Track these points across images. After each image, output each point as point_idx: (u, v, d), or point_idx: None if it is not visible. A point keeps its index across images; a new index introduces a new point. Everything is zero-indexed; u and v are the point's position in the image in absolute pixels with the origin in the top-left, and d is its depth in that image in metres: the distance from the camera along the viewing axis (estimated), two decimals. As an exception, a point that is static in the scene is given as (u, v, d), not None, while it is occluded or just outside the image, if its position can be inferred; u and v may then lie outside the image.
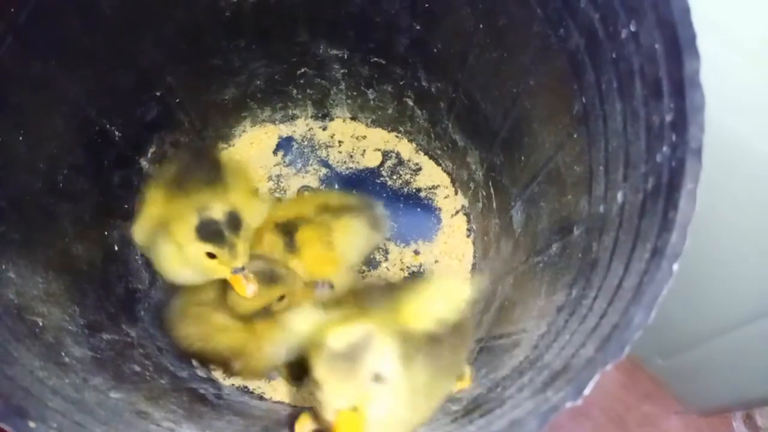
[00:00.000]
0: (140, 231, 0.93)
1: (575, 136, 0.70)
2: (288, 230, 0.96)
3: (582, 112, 0.68)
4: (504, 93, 0.87)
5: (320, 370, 0.59)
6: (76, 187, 0.86)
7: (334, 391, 0.59)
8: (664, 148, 0.51)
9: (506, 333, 0.78)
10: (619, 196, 0.58)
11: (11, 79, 0.72)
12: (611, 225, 0.58)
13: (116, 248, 0.95)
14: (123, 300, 0.92)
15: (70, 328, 0.72)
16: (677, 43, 0.51)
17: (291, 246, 0.95)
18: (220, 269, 0.84)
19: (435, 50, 0.96)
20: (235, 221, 0.84)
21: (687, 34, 0.51)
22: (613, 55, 0.61)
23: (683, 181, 0.47)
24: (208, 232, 0.82)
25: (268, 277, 0.84)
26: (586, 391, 0.44)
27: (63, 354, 0.65)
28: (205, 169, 0.95)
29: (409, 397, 0.61)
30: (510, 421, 0.48)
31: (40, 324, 0.66)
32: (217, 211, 0.83)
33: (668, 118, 0.52)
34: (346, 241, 0.99)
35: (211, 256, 0.83)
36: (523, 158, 0.87)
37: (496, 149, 0.96)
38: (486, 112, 0.94)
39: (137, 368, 0.80)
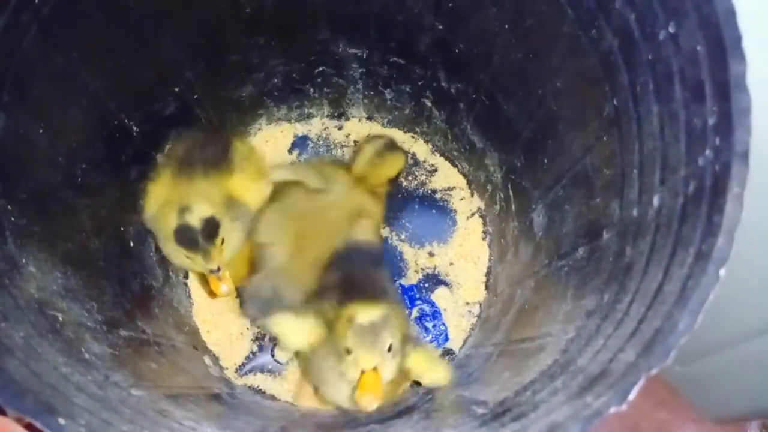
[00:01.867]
0: (147, 212, 0.94)
1: (605, 138, 0.69)
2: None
3: (614, 114, 0.67)
4: (529, 94, 0.86)
5: (351, 339, 0.78)
6: (95, 182, 0.85)
7: (362, 356, 0.78)
8: (707, 152, 0.50)
9: (529, 337, 0.77)
10: (656, 199, 0.57)
11: (33, 70, 0.71)
12: (647, 229, 0.57)
13: (132, 244, 0.94)
14: (138, 297, 0.91)
15: (89, 324, 0.71)
16: (721, 45, 0.50)
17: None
18: (197, 267, 0.90)
19: (457, 50, 0.95)
20: (211, 229, 0.87)
21: (732, 35, 0.50)
22: (650, 57, 0.60)
23: (729, 185, 0.46)
24: (184, 238, 0.86)
25: None
26: (631, 396, 0.44)
27: (83, 350, 0.64)
28: (215, 150, 0.96)
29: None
30: (548, 425, 0.47)
31: (61, 319, 0.65)
32: (194, 218, 0.86)
33: (711, 121, 0.51)
34: None
35: (189, 258, 0.88)
36: (546, 161, 0.86)
37: (517, 151, 0.95)
38: (508, 113, 0.93)
39: (154, 365, 0.79)
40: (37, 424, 0.43)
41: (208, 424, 0.68)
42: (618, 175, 0.66)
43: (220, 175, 0.94)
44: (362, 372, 0.77)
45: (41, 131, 0.74)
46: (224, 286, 0.90)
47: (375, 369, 0.78)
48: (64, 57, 0.75)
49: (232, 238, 0.91)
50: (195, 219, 0.86)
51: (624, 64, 0.65)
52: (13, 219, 0.66)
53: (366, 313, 0.80)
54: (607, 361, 0.50)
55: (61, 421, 0.44)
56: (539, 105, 0.84)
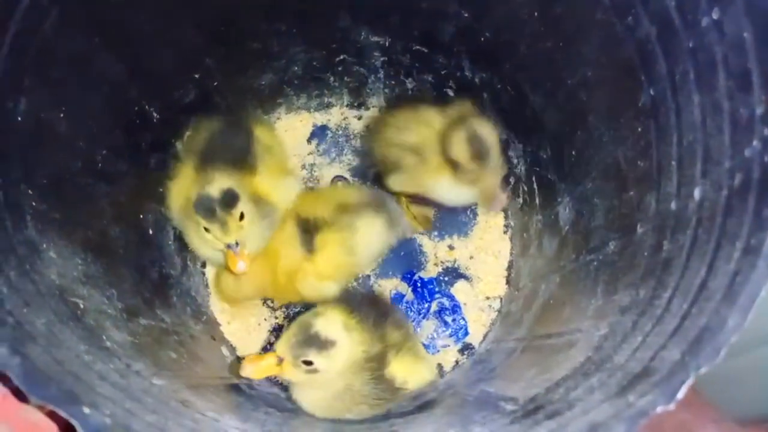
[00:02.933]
0: (174, 208, 0.93)
1: (640, 129, 0.67)
2: (308, 229, 0.95)
3: (650, 104, 0.64)
4: (557, 85, 0.83)
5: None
6: (114, 169, 0.84)
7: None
8: (755, 143, 0.48)
9: (555, 332, 0.76)
10: (697, 192, 0.55)
11: (54, 54, 0.70)
12: (687, 223, 0.55)
13: (151, 232, 0.93)
14: (157, 285, 0.90)
15: (109, 311, 0.70)
16: (771, 32, 0.48)
17: (309, 245, 0.94)
18: (216, 243, 0.88)
19: (482, 39, 0.92)
20: (229, 199, 0.86)
21: (783, 21, 0.48)
22: (691, 45, 0.58)
23: (780, 177, 0.44)
24: (202, 207, 0.85)
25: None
26: (680, 395, 0.42)
27: (104, 338, 0.63)
28: (235, 146, 0.94)
29: None
30: (589, 424, 0.46)
31: (81, 306, 0.64)
32: (215, 188, 0.86)
33: (759, 110, 0.49)
34: (366, 243, 0.98)
35: (207, 230, 0.87)
36: (574, 153, 0.84)
37: (543, 143, 0.93)
38: (534, 104, 0.91)
39: (173, 355, 0.78)
40: (62, 413, 0.42)
41: (229, 415, 0.67)
42: (653, 167, 0.64)
43: (242, 175, 0.92)
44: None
45: (61, 116, 0.73)
46: (241, 263, 0.88)
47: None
48: (85, 41, 0.74)
49: (255, 225, 0.89)
50: (215, 189, 0.85)
51: (662, 52, 0.62)
52: (33, 204, 0.65)
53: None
54: (647, 359, 0.48)
55: (86, 410, 0.43)
56: (568, 96, 0.82)
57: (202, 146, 0.94)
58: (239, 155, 0.93)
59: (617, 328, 0.58)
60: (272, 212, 0.94)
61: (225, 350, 1.01)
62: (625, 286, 0.63)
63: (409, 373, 0.85)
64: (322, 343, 0.78)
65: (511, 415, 0.59)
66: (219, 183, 0.86)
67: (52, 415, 0.43)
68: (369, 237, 0.98)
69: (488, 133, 0.92)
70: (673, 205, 0.58)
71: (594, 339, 0.62)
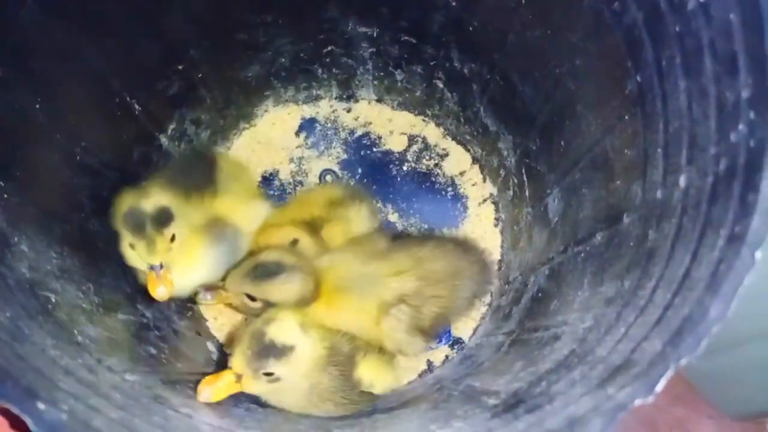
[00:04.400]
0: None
1: (627, 118, 0.65)
2: (314, 228, 0.95)
3: (637, 92, 0.63)
4: (546, 74, 0.82)
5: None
6: (95, 161, 0.82)
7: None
8: (740, 127, 0.46)
9: (542, 326, 0.74)
10: (682, 180, 0.53)
11: (32, 43, 0.69)
12: (672, 211, 0.53)
13: (134, 226, 0.91)
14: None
15: (84, 306, 0.68)
16: (758, 13, 0.47)
17: (320, 242, 0.94)
18: (139, 262, 0.82)
19: (471, 29, 0.91)
20: (163, 218, 0.81)
21: (770, 2, 0.46)
22: (677, 29, 0.56)
23: (765, 162, 0.43)
24: (131, 221, 0.80)
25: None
26: (658, 388, 0.40)
27: (76, 333, 0.62)
28: (198, 172, 0.93)
29: None
30: (568, 418, 0.44)
31: (53, 300, 0.62)
32: (150, 203, 0.81)
33: (745, 94, 0.47)
34: (359, 231, 1.00)
35: (133, 247, 0.81)
36: (563, 143, 0.82)
37: (533, 134, 0.91)
38: (524, 95, 0.89)
39: (153, 350, 0.76)
40: (14, 410, 0.40)
41: (205, 411, 0.66)
42: (640, 156, 0.62)
43: (202, 197, 0.90)
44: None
45: (38, 107, 0.71)
46: (162, 288, 0.80)
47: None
48: (64, 31, 0.73)
49: (190, 247, 0.85)
50: (149, 204, 0.80)
51: (649, 38, 0.61)
52: (5, 196, 0.63)
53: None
54: (629, 351, 0.46)
55: (41, 406, 0.41)
56: (556, 85, 0.80)
57: (170, 174, 0.91)
58: (200, 180, 0.92)
59: (601, 321, 0.56)
60: (234, 235, 0.91)
61: (211, 345, 0.99)
62: (610, 278, 0.61)
63: (377, 377, 0.83)
64: (279, 351, 0.74)
65: (492, 410, 0.58)
66: (156, 199, 0.81)
67: (7, 414, 0.41)
68: (360, 225, 1.00)
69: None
70: (659, 194, 0.57)
71: (579, 331, 0.60)
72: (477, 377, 0.78)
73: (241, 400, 0.78)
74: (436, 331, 0.91)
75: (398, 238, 1.00)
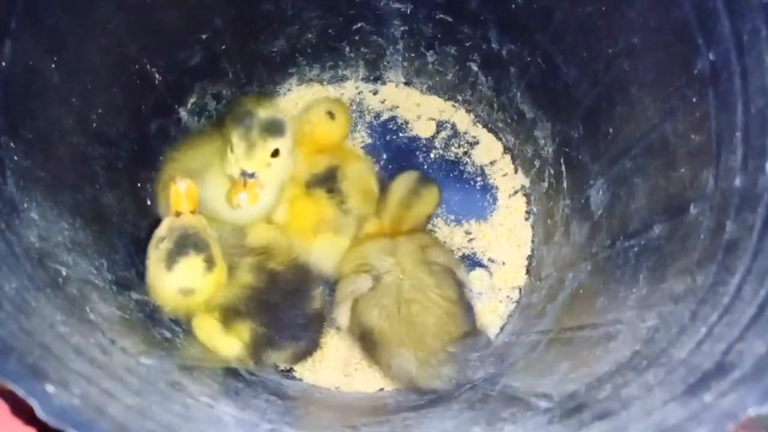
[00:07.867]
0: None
1: (694, 99, 0.60)
2: (326, 177, 0.94)
3: (708, 70, 0.57)
4: (595, 55, 0.76)
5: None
6: (111, 130, 0.78)
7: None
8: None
9: (589, 324, 0.69)
10: (768, 165, 0.47)
11: (48, -3, 0.63)
12: (755, 200, 0.48)
13: (149, 203, 0.87)
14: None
15: (96, 282, 0.63)
16: None
17: (337, 191, 0.94)
18: (233, 166, 0.80)
19: (513, 6, 0.85)
20: (273, 127, 0.81)
21: None
22: (764, -2, 0.50)
23: None
24: (242, 119, 0.80)
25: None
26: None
27: (88, 310, 0.57)
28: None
29: None
30: (656, 428, 0.39)
31: (64, 274, 0.58)
32: (266, 112, 0.82)
33: None
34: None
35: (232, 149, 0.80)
36: (611, 130, 0.76)
37: (575, 121, 0.86)
38: (568, 78, 0.84)
39: (168, 334, 0.72)
40: (19, 391, 0.35)
41: (226, 401, 0.61)
42: (711, 140, 0.56)
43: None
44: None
45: (53, 66, 0.67)
46: (243, 195, 0.78)
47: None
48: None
49: (283, 168, 0.85)
50: (266, 113, 0.81)
51: (725, 9, 0.55)
52: (15, 158, 0.59)
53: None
54: (719, 353, 0.41)
55: (50, 388, 0.36)
56: (608, 67, 0.75)
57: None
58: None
59: (670, 319, 0.51)
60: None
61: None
62: (676, 273, 0.55)
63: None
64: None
65: (548, 414, 0.52)
66: (272, 112, 0.82)
67: (9, 396, 0.35)
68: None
69: None
70: (737, 182, 0.51)
71: (641, 331, 0.54)
72: (515, 377, 0.73)
73: (259, 391, 0.73)
74: None
75: None
